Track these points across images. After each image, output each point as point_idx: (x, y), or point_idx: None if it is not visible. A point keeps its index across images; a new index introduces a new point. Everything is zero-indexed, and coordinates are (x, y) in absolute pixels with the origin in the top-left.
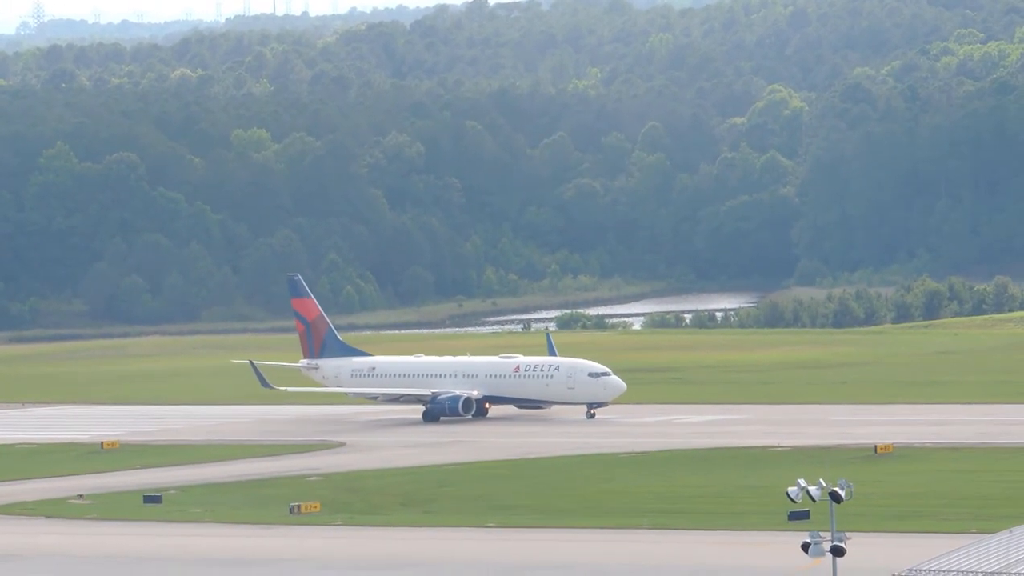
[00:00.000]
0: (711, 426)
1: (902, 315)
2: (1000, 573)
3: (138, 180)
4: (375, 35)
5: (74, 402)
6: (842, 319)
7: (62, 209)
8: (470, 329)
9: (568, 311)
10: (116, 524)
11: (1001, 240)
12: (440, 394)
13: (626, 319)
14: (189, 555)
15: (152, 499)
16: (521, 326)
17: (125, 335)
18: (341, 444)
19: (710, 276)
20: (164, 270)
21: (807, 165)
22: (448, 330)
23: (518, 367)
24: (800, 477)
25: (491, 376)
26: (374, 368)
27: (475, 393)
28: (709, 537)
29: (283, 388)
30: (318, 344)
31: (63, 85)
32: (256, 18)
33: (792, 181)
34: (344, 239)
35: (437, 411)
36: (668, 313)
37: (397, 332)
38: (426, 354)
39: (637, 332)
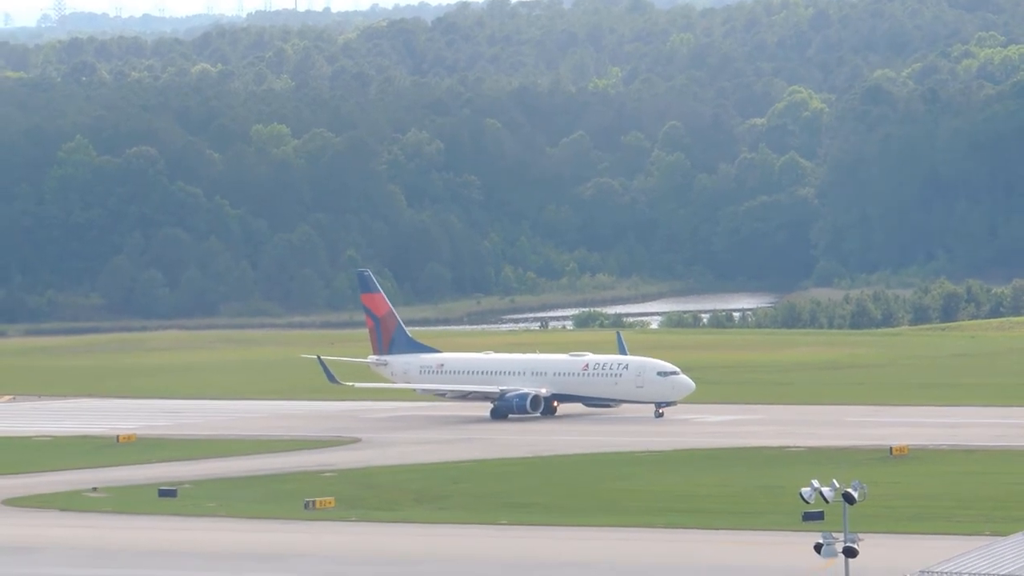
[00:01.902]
0: (727, 426)
1: (919, 317)
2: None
3: (157, 174)
4: (396, 32)
5: (90, 395)
6: (859, 320)
7: (80, 202)
8: (488, 327)
9: (586, 310)
10: (130, 518)
11: (1019, 243)
12: (508, 391)
13: (644, 318)
14: (203, 549)
15: (167, 493)
16: (539, 324)
17: (142, 329)
18: (356, 440)
19: (728, 276)
20: (182, 264)
21: (826, 166)
22: (466, 327)
23: (587, 365)
24: (815, 478)
25: (559, 374)
26: (443, 365)
27: (543, 391)
28: (723, 537)
29: (351, 384)
30: (387, 340)
31: (83, 78)
32: (277, 13)
33: (811, 182)
34: (363, 235)
35: (505, 408)
36: (686, 313)
37: (418, 329)
38: (495, 351)
39: (655, 331)
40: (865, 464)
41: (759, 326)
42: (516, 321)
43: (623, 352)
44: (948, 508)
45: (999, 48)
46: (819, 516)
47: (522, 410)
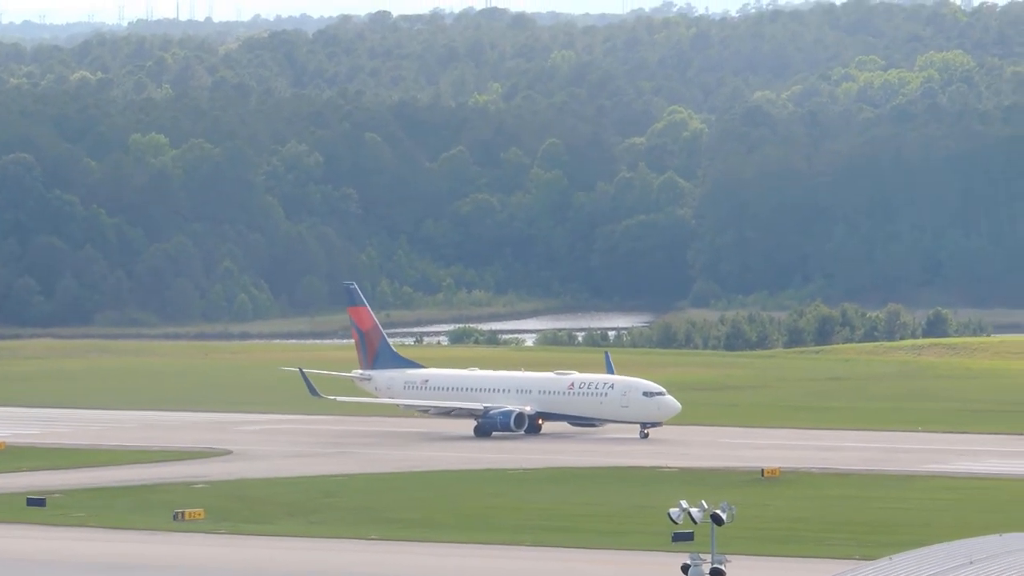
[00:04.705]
0: (600, 444)
1: (794, 340)
2: None
3: (33, 181)
4: (277, 43)
5: None
6: (734, 342)
7: None
8: None
9: (461, 325)
10: None
11: (896, 267)
12: (492, 409)
13: (519, 335)
14: (71, 559)
15: (36, 502)
16: (414, 340)
17: (16, 336)
18: (228, 452)
19: (605, 295)
20: (57, 272)
21: (705, 187)
22: (341, 341)
23: (572, 384)
24: (684, 499)
25: (545, 392)
26: (427, 381)
27: (528, 409)
28: (591, 556)
29: (332, 398)
30: (371, 354)
31: None
32: (158, 22)
33: (689, 203)
34: (239, 246)
35: (489, 426)
36: (561, 330)
37: (293, 342)
38: (480, 368)
39: (529, 348)
40: (737, 486)
41: (634, 345)
42: (391, 336)
43: (610, 371)
44: (817, 531)
45: (879, 72)
46: (689, 537)
47: (506, 428)
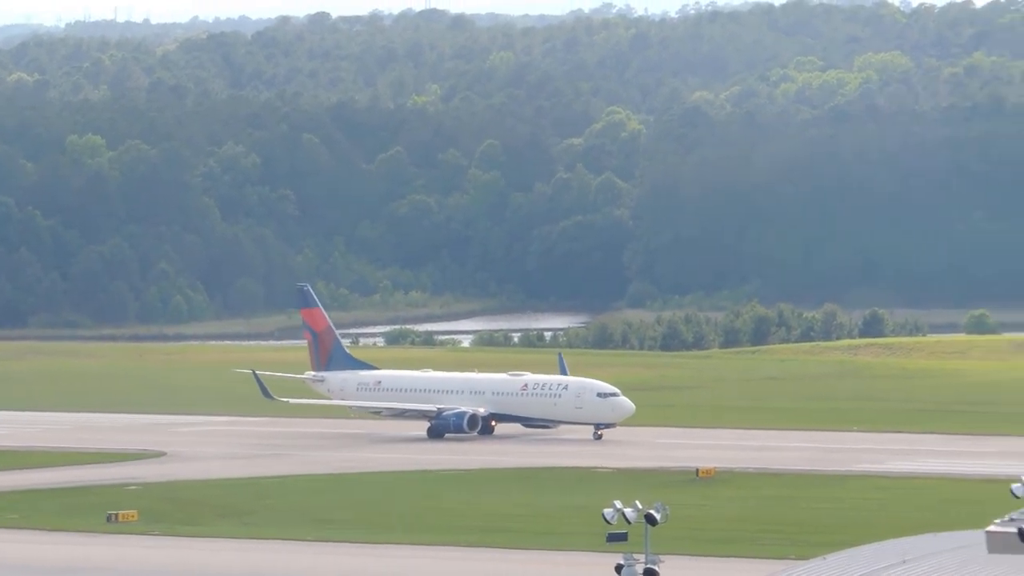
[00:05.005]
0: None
1: (730, 340)
2: None
3: None
4: (216, 44)
5: None
6: (670, 342)
7: None
8: (298, 342)
9: (397, 327)
10: None
11: (833, 268)
12: (445, 410)
13: (455, 336)
14: (3, 562)
15: None
16: (350, 341)
17: None
18: (162, 454)
19: (541, 296)
20: None
21: (642, 188)
22: (277, 343)
23: (526, 385)
24: (618, 499)
25: (498, 393)
26: (380, 382)
27: (481, 410)
28: (525, 556)
29: (285, 400)
30: (324, 356)
31: None
32: (96, 24)
33: (627, 203)
34: (175, 248)
35: (442, 428)
36: (497, 331)
37: (228, 343)
38: (434, 369)
39: (465, 349)
40: (672, 486)
41: (570, 346)
42: None
43: (564, 373)
44: (752, 531)
45: (817, 72)
46: (623, 537)
47: (459, 429)
